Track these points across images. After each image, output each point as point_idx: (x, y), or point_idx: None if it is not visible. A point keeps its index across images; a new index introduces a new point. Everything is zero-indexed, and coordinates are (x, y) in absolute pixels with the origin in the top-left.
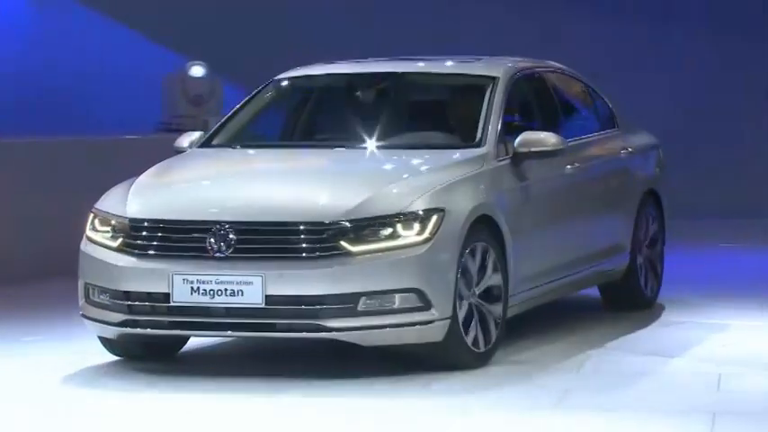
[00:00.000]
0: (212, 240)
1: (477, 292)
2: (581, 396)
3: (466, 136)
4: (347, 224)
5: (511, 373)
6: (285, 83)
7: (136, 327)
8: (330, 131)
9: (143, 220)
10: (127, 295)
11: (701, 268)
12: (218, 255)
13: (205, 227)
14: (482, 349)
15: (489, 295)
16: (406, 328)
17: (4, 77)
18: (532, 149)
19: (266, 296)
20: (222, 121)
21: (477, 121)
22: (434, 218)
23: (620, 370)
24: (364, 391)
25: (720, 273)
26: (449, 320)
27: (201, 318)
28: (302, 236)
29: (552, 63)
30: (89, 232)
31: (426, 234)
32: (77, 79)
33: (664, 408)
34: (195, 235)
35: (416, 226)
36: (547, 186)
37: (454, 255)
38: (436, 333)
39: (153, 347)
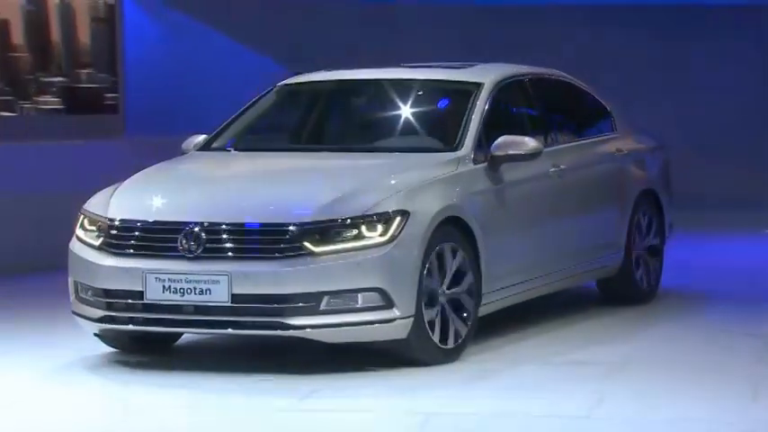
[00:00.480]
0: (183, 240)
1: (447, 292)
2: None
3: (446, 140)
4: (310, 225)
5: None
6: (283, 89)
7: (113, 322)
8: (316, 135)
9: (120, 221)
10: (106, 292)
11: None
12: (188, 255)
13: (177, 227)
14: (451, 346)
15: (459, 294)
16: (368, 326)
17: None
18: (509, 153)
19: (232, 295)
20: (224, 124)
21: (459, 126)
22: (398, 219)
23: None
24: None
25: None
26: (412, 319)
27: (173, 315)
28: (267, 236)
29: (551, 70)
30: (78, 231)
31: (389, 235)
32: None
33: None
34: (167, 235)
35: (380, 227)
36: (526, 188)
37: (418, 255)
38: (399, 331)
39: (147, 341)
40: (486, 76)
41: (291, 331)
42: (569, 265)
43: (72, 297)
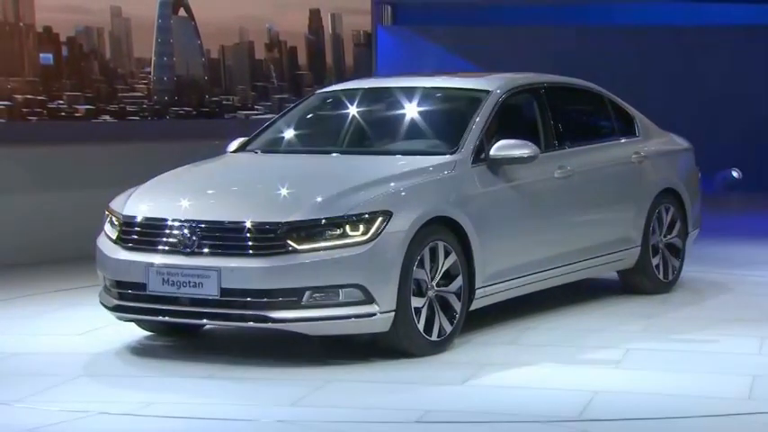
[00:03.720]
0: (181, 237)
1: (436, 288)
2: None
3: (448, 143)
4: (296, 224)
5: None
6: (313, 97)
7: (124, 311)
8: (329, 139)
9: (130, 217)
10: (117, 283)
11: None
12: (185, 250)
13: (176, 225)
14: (435, 339)
15: (448, 294)
16: (349, 320)
17: None
18: (506, 155)
19: (222, 288)
20: (262, 127)
21: (462, 130)
22: (379, 219)
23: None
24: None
25: None
26: (393, 313)
27: (171, 306)
28: (253, 234)
29: (574, 80)
30: (105, 227)
31: (369, 234)
32: None
33: None
34: (168, 231)
35: (362, 227)
36: (528, 189)
37: (399, 253)
38: (381, 324)
39: (175, 327)
40: (496, 84)
41: (275, 324)
42: (577, 259)
43: (100, 288)
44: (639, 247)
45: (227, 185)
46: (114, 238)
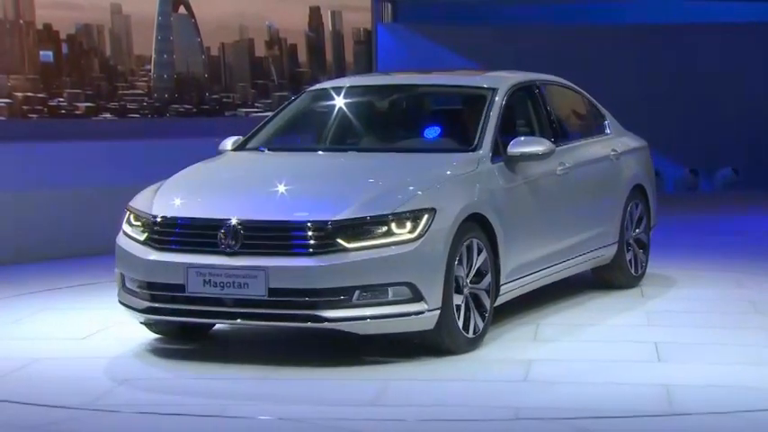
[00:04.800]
0: (223, 237)
1: (470, 285)
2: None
3: (465, 141)
4: (344, 223)
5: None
6: (313, 93)
7: (157, 313)
8: (342, 137)
9: (163, 218)
10: (150, 285)
11: None
12: (227, 250)
13: (216, 224)
14: (471, 335)
15: (479, 291)
16: (398, 318)
17: None
18: (524, 152)
19: (269, 289)
20: (259, 126)
21: (476, 128)
22: (425, 216)
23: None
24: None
25: None
26: (439, 311)
27: (213, 307)
28: (302, 233)
29: (555, 78)
30: (125, 227)
31: (417, 232)
32: None
33: None
34: (208, 231)
35: (408, 224)
36: (539, 185)
37: (444, 250)
38: (427, 322)
39: (186, 329)
40: (501, 82)
41: (325, 324)
42: (575, 255)
43: (118, 288)
44: (618, 243)
45: (263, 184)
46: (143, 239)
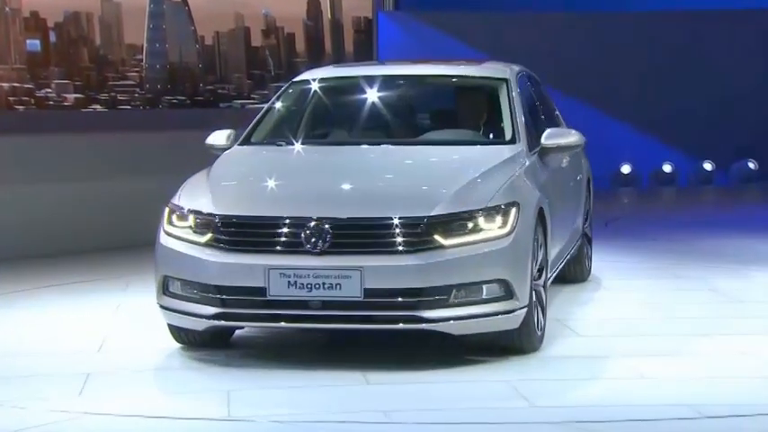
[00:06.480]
0: (308, 236)
1: (533, 282)
2: None
3: (497, 133)
4: (440, 219)
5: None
6: (316, 84)
7: (230, 319)
8: (367, 129)
9: (235, 217)
10: (219, 289)
11: None
12: (314, 250)
13: (300, 222)
14: (539, 333)
15: (539, 287)
16: (491, 317)
17: None
18: (559, 143)
19: (365, 289)
20: (257, 119)
21: (501, 119)
22: (513, 211)
23: None
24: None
25: None
26: (527, 308)
27: (298, 310)
28: (398, 230)
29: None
30: (167, 227)
31: (509, 227)
32: None
33: None
34: (289, 230)
35: (498, 219)
36: (557, 177)
37: (530, 245)
38: (515, 321)
39: (207, 335)
40: (508, 72)
41: (424, 324)
42: (571, 248)
43: (158, 292)
44: (583, 236)
45: (335, 179)
46: (204, 240)
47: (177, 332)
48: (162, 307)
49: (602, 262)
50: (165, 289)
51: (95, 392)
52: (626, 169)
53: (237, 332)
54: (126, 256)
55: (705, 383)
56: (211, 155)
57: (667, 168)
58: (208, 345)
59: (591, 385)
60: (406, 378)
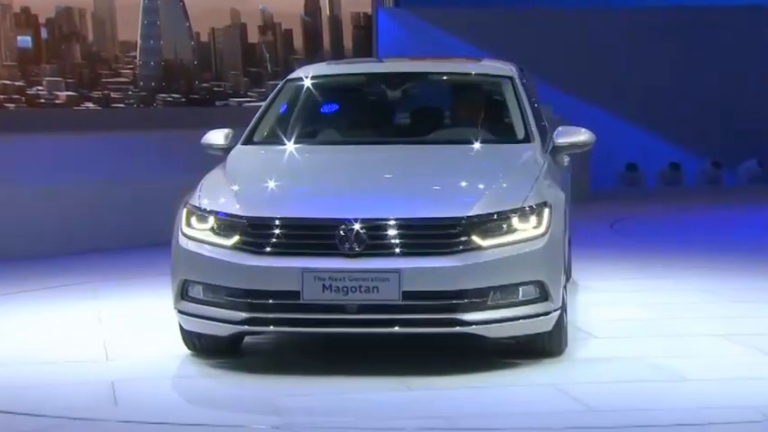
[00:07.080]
0: (344, 238)
1: None
2: None
3: (507, 132)
4: (477, 219)
5: None
6: (316, 81)
7: (261, 324)
8: (374, 129)
9: (266, 219)
10: (248, 293)
11: None
12: (350, 252)
13: (334, 224)
14: (565, 336)
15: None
16: (527, 320)
17: None
18: (571, 142)
19: (403, 292)
20: (257, 117)
21: (509, 118)
22: (546, 211)
23: None
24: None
25: None
26: (560, 310)
27: (333, 314)
28: (435, 231)
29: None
30: (186, 229)
31: (543, 228)
32: None
33: None
34: (323, 232)
35: (533, 219)
36: (564, 176)
37: (563, 245)
38: (549, 323)
39: (224, 342)
40: (510, 69)
41: (463, 327)
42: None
43: (177, 297)
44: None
45: (371, 180)
46: (231, 243)
47: (192, 338)
48: (180, 312)
49: (602, 262)
50: (184, 293)
51: (128, 401)
52: (632, 168)
53: (246, 339)
54: (93, 260)
55: (758, 384)
56: (208, 155)
57: (674, 168)
58: (223, 352)
59: (637, 388)
60: (447, 383)
